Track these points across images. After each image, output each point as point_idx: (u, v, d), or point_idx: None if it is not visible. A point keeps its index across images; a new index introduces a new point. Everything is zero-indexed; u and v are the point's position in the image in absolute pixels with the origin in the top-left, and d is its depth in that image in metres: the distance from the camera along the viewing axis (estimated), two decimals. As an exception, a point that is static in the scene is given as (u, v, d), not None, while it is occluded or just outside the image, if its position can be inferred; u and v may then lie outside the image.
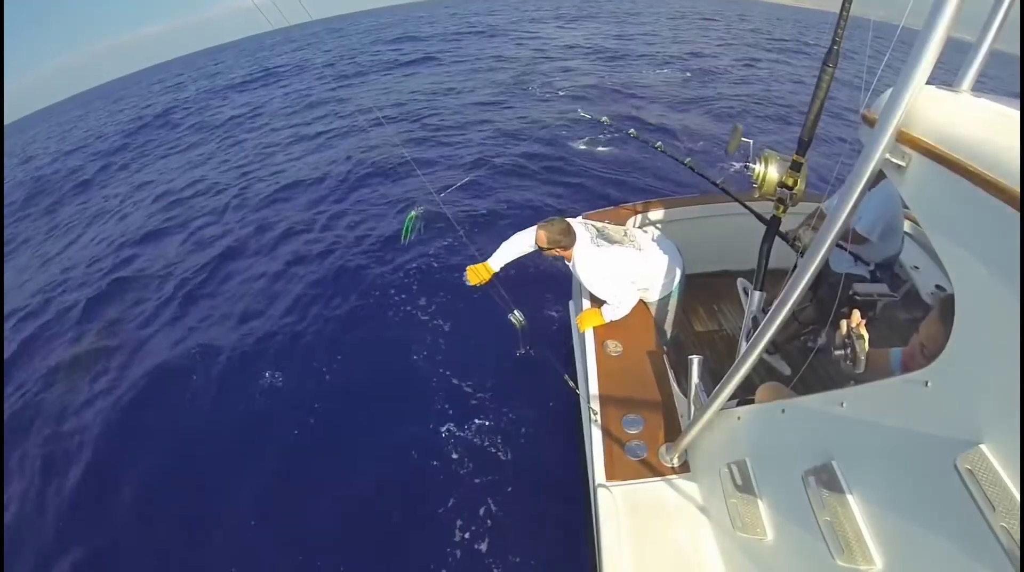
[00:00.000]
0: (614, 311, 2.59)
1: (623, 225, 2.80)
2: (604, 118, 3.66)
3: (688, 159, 3.00)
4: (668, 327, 2.88)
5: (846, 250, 2.60)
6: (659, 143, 3.22)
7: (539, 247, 2.56)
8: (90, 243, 8.81)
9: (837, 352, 1.34)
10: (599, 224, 2.71)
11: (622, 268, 2.58)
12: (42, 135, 28.40)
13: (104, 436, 4.18)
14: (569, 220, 2.60)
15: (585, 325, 2.63)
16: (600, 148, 9.05)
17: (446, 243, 5.99)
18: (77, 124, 27.68)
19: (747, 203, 2.55)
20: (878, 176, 1.04)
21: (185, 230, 8.18)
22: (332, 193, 8.34)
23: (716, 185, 2.83)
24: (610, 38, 22.77)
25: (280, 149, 11.57)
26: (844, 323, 1.36)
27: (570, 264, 2.63)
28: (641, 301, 2.76)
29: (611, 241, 2.60)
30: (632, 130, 3.45)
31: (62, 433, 4.33)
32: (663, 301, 2.78)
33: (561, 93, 12.92)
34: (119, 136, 18.05)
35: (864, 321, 1.34)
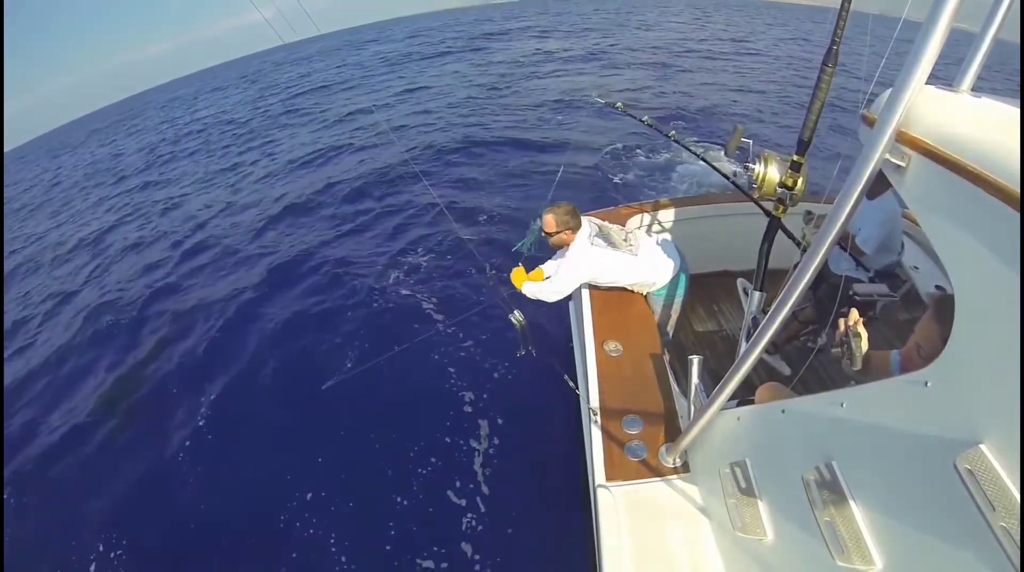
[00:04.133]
0: (542, 292, 2.65)
1: (625, 227, 2.79)
2: (619, 103, 3.50)
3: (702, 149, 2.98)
4: (668, 328, 2.88)
5: (846, 251, 2.61)
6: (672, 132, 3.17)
7: (546, 234, 2.59)
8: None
9: (835, 350, 1.34)
10: (603, 223, 2.72)
11: (603, 270, 2.62)
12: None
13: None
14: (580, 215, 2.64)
15: (515, 279, 2.71)
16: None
17: (446, 248, 6.02)
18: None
19: (755, 200, 2.51)
20: (882, 183, 1.04)
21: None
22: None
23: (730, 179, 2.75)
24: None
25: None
26: (842, 321, 1.36)
27: (571, 252, 2.62)
28: (643, 298, 2.79)
29: (609, 242, 2.61)
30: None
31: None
32: (661, 301, 2.78)
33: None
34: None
35: (862, 320, 1.34)
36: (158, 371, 4.97)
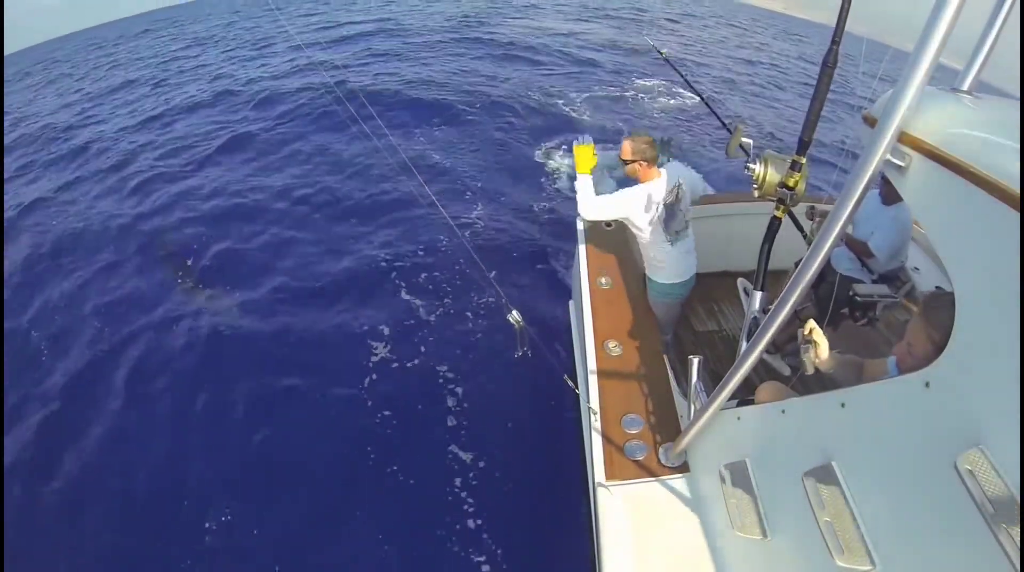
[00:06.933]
0: (587, 198, 2.59)
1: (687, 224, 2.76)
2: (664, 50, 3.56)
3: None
4: (668, 328, 2.88)
5: (851, 253, 2.62)
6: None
7: (621, 160, 2.59)
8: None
9: (786, 358, 1.39)
10: (696, 198, 2.68)
11: (639, 227, 2.64)
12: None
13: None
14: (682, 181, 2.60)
15: (580, 158, 2.61)
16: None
17: (443, 245, 6.00)
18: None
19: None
20: (895, 193, 1.05)
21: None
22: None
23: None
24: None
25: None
26: (800, 333, 1.43)
27: (639, 186, 2.59)
28: (644, 298, 2.79)
29: (669, 218, 2.61)
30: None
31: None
32: (663, 300, 2.78)
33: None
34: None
35: (818, 329, 1.41)
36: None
